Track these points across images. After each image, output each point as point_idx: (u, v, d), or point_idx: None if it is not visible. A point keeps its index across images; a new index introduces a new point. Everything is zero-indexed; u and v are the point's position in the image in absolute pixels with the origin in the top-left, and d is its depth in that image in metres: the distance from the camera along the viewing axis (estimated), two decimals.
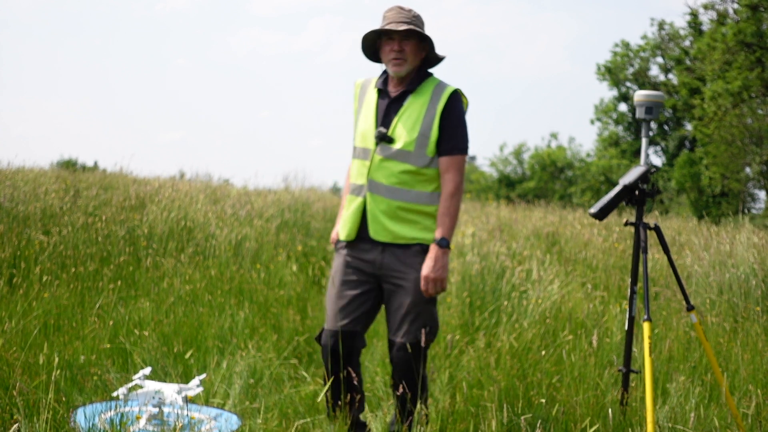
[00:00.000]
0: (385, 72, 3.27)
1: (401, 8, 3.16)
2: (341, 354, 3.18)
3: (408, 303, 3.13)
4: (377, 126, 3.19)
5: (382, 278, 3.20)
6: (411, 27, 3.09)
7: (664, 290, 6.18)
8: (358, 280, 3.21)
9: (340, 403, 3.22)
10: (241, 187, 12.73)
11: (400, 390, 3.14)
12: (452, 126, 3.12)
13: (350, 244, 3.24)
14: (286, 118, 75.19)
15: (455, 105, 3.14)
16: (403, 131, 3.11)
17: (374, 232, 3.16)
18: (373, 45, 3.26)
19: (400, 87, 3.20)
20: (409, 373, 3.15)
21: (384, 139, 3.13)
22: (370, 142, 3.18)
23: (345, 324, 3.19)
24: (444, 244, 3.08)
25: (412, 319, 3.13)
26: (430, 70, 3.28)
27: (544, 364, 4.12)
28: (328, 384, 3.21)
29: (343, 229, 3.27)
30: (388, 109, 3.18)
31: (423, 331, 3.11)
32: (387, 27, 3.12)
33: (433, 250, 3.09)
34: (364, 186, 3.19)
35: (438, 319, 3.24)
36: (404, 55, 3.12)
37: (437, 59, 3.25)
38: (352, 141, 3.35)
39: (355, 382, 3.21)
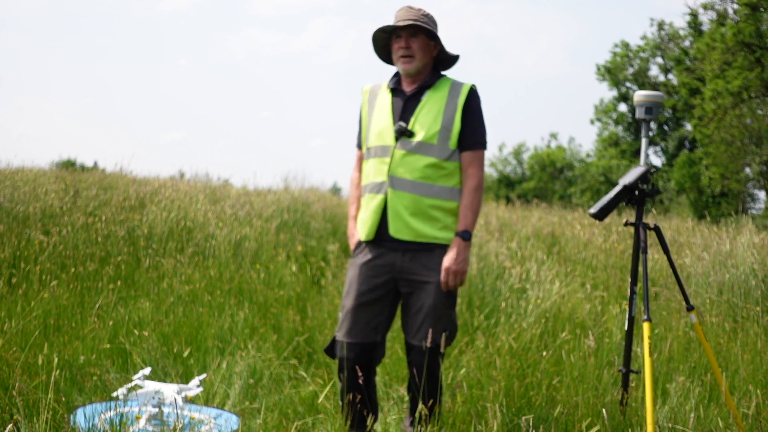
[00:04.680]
0: (396, 74, 3.27)
1: (410, 7, 3.18)
2: (351, 366, 3.13)
3: (428, 305, 3.10)
4: (395, 122, 3.15)
5: (400, 281, 3.15)
6: (415, 23, 3.09)
7: (664, 290, 6.17)
8: (377, 287, 3.16)
9: (355, 413, 3.17)
10: (241, 187, 12.72)
11: (419, 392, 3.12)
12: (473, 121, 3.14)
13: (369, 247, 3.19)
14: (286, 118, 75.17)
15: (475, 100, 3.16)
16: (424, 124, 3.10)
17: (395, 230, 3.10)
18: (387, 47, 3.28)
19: (414, 84, 3.20)
20: (428, 376, 3.13)
21: (404, 133, 3.10)
22: (389, 139, 3.14)
23: (365, 335, 3.15)
24: (467, 236, 3.09)
25: (432, 322, 3.10)
26: (445, 72, 3.29)
27: (544, 365, 4.11)
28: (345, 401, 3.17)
29: (362, 228, 3.20)
30: (405, 105, 3.16)
31: (443, 335, 3.07)
32: (393, 24, 3.14)
33: (455, 242, 3.08)
34: (384, 183, 3.13)
35: (457, 322, 3.21)
36: (411, 51, 3.13)
37: (451, 61, 3.26)
38: (361, 144, 3.34)
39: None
